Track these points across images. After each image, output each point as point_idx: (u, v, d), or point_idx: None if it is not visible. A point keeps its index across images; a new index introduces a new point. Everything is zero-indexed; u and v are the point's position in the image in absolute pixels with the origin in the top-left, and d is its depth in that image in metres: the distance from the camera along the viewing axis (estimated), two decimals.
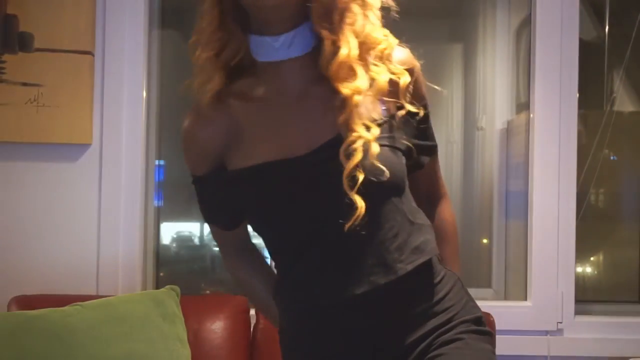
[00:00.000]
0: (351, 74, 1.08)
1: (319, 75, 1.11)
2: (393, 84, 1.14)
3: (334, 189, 1.06)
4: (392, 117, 1.14)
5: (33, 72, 2.18)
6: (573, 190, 2.32)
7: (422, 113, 1.17)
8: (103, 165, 2.23)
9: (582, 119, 2.54)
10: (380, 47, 1.13)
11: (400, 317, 1.14)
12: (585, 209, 2.53)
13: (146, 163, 2.33)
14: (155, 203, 2.46)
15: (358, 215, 1.05)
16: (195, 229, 2.82)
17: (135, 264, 2.26)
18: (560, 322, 2.29)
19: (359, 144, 1.06)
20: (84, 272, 2.21)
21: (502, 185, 2.74)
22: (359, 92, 1.08)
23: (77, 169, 2.23)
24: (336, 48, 1.07)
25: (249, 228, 1.29)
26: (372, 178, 1.06)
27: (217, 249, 2.48)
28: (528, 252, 2.34)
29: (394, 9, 1.16)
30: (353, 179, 1.05)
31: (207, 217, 1.29)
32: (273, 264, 1.26)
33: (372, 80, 1.11)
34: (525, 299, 2.35)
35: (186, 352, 1.94)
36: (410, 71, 1.17)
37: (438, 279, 1.19)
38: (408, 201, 1.17)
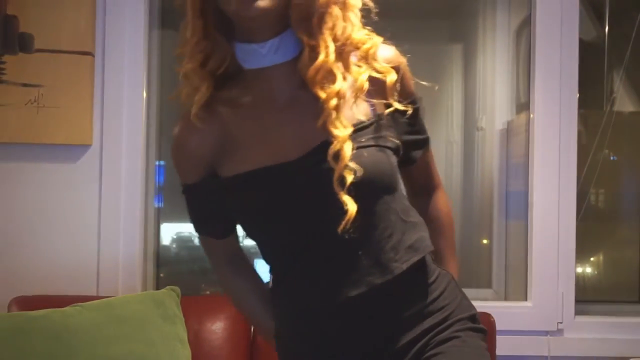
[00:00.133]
0: (330, 77, 1.08)
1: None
2: (380, 82, 1.14)
3: (327, 192, 1.06)
4: (380, 116, 1.15)
5: (33, 73, 2.18)
6: (573, 190, 2.32)
7: (410, 110, 1.17)
8: (103, 165, 2.23)
9: (582, 119, 2.54)
10: (365, 46, 1.13)
11: (397, 317, 1.15)
12: (585, 209, 2.53)
13: (146, 164, 2.33)
14: (156, 204, 2.46)
15: (349, 217, 1.05)
16: None
17: (135, 264, 2.26)
18: (561, 322, 2.29)
19: (346, 146, 1.06)
20: (85, 272, 2.21)
21: (502, 185, 2.74)
22: (337, 95, 1.08)
23: (77, 170, 2.23)
24: (315, 53, 1.08)
25: (240, 231, 1.28)
26: (362, 179, 1.07)
27: None
28: (528, 253, 2.34)
29: (374, 9, 1.16)
30: (342, 180, 1.05)
31: (198, 227, 1.28)
32: (268, 267, 1.25)
33: (355, 81, 1.11)
34: (526, 299, 2.35)
35: (186, 352, 1.94)
36: (397, 69, 1.17)
37: (432, 278, 1.19)
38: (401, 199, 1.17)
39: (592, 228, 2.69)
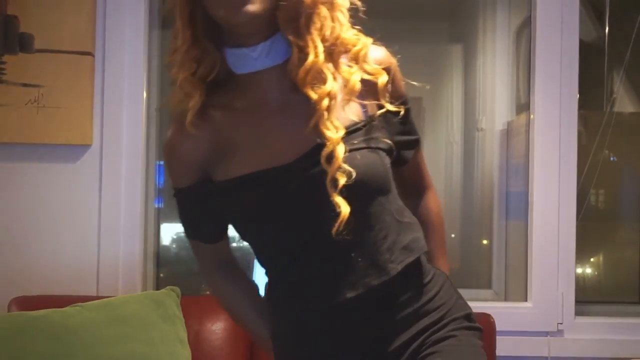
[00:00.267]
0: (320, 78, 1.08)
1: None
2: (371, 83, 1.14)
3: (321, 194, 1.06)
4: (372, 117, 1.15)
5: (33, 73, 2.18)
6: (573, 191, 2.32)
7: (402, 111, 1.17)
8: (103, 166, 2.23)
9: (583, 119, 2.54)
10: (356, 48, 1.13)
11: (394, 317, 1.15)
12: (585, 209, 2.53)
13: (146, 164, 2.33)
14: (156, 204, 2.46)
15: (342, 219, 1.05)
16: None
17: (135, 264, 2.26)
18: (561, 323, 2.29)
19: (339, 149, 1.06)
20: (85, 272, 2.21)
21: (502, 186, 2.74)
22: (328, 96, 1.08)
23: (77, 170, 2.23)
24: (304, 54, 1.08)
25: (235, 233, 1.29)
26: (356, 181, 1.07)
27: None
28: (528, 253, 2.34)
29: (362, 8, 1.16)
30: (335, 183, 1.05)
31: (190, 231, 1.28)
32: (264, 270, 1.25)
33: (346, 81, 1.11)
34: (526, 300, 2.35)
35: (186, 353, 1.94)
36: (387, 70, 1.17)
37: (428, 278, 1.20)
38: (395, 200, 1.18)
39: (592, 228, 2.69)
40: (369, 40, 1.16)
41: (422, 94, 3.30)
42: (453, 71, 3.30)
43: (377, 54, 1.17)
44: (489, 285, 2.75)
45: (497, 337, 2.06)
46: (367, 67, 1.14)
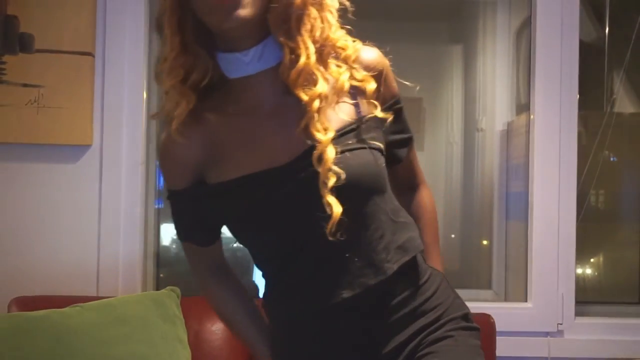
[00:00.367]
0: (311, 80, 1.08)
1: None
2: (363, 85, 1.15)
3: (315, 195, 1.06)
4: (365, 117, 1.15)
5: (33, 73, 2.18)
6: (573, 191, 2.32)
7: (391, 117, 1.17)
8: (103, 166, 2.23)
9: (583, 120, 2.54)
10: (346, 53, 1.13)
11: (390, 317, 1.15)
12: (585, 210, 2.53)
13: (146, 164, 2.33)
14: (156, 204, 2.46)
15: (334, 220, 1.05)
16: None
17: (135, 265, 2.26)
18: (561, 324, 2.29)
19: (329, 150, 1.06)
20: (85, 273, 2.21)
21: (502, 186, 2.74)
22: (319, 97, 1.08)
23: (77, 170, 2.23)
24: (295, 56, 1.08)
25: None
26: (349, 181, 1.07)
27: None
28: (528, 253, 2.34)
29: (350, 9, 1.16)
30: (326, 184, 1.06)
31: (183, 234, 1.27)
32: (261, 273, 1.25)
33: (335, 81, 1.11)
34: (526, 300, 2.35)
35: (186, 353, 1.94)
36: (380, 73, 1.17)
37: (425, 278, 1.20)
38: (391, 200, 1.18)
39: (592, 229, 2.69)
40: (359, 43, 1.16)
41: (422, 94, 3.31)
42: (453, 72, 3.30)
43: (369, 55, 1.17)
44: (489, 286, 2.75)
45: (497, 338, 2.06)
46: (356, 74, 1.14)
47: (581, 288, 2.59)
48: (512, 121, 2.71)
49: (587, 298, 2.61)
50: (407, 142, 1.27)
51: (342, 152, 1.08)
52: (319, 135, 1.07)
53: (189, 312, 2.02)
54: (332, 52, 1.13)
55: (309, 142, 1.07)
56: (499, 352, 2.06)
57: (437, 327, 1.17)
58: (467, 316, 1.22)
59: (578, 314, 2.33)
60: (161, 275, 2.53)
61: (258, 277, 1.57)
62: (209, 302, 1.35)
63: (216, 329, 2.04)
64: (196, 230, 1.25)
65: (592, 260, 2.82)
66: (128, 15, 2.26)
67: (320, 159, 1.06)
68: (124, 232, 2.24)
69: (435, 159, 3.13)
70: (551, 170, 2.31)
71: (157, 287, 2.42)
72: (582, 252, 2.53)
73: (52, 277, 2.19)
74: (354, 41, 1.16)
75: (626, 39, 2.65)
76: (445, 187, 3.07)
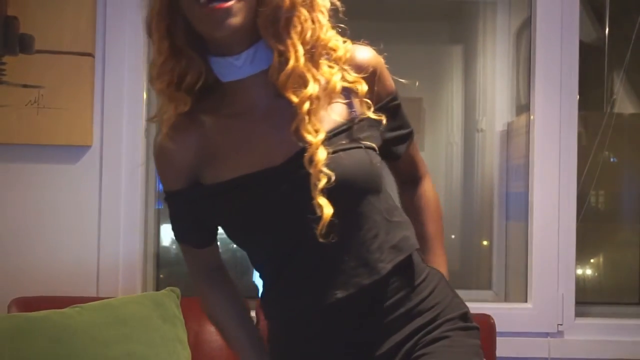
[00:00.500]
0: (301, 82, 1.08)
1: None
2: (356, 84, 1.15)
3: (307, 196, 1.06)
4: (359, 116, 1.14)
5: (33, 74, 2.18)
6: (573, 191, 2.32)
7: (384, 120, 1.17)
8: (103, 166, 2.23)
9: (583, 120, 2.54)
10: (338, 53, 1.13)
11: (386, 317, 1.15)
12: (585, 210, 2.53)
13: (146, 164, 2.33)
14: (156, 205, 2.46)
15: (324, 221, 1.05)
16: None
17: (135, 265, 2.26)
18: (561, 324, 2.29)
19: (320, 152, 1.06)
20: (84, 273, 2.21)
21: (502, 186, 2.74)
22: (309, 99, 1.08)
23: (77, 171, 2.23)
24: (285, 58, 1.08)
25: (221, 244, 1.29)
26: (343, 181, 1.07)
27: None
28: (528, 254, 2.34)
29: (341, 8, 1.16)
30: (317, 185, 1.05)
31: (180, 235, 1.28)
32: (258, 274, 1.25)
33: (327, 82, 1.11)
34: (526, 301, 2.35)
35: (186, 354, 1.94)
36: (373, 72, 1.17)
37: (421, 278, 1.19)
38: (386, 200, 1.17)
39: (592, 229, 2.69)
40: (350, 44, 1.16)
41: (422, 94, 3.31)
42: (453, 72, 3.31)
43: (361, 55, 1.17)
44: (489, 286, 2.75)
45: (497, 338, 2.06)
46: (347, 75, 1.14)
47: (581, 289, 2.59)
48: (512, 121, 2.71)
49: (587, 299, 2.61)
50: (406, 138, 1.27)
51: (336, 152, 1.08)
52: (309, 137, 1.06)
53: (188, 313, 2.02)
54: (324, 53, 1.12)
55: (299, 144, 1.07)
56: (499, 352, 2.06)
57: (433, 328, 1.16)
58: (465, 315, 1.21)
59: (578, 314, 2.33)
60: (161, 275, 2.53)
61: (258, 278, 1.57)
62: (202, 304, 1.35)
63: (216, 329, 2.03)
64: (192, 232, 1.26)
65: (592, 260, 2.82)
66: (128, 16, 2.26)
67: (311, 160, 1.06)
68: (123, 232, 2.24)
69: (436, 159, 3.13)
70: (551, 170, 2.30)
71: (157, 288, 2.42)
72: (582, 253, 2.53)
73: (52, 277, 2.19)
74: (344, 42, 1.16)
75: (626, 40, 2.65)
76: (446, 188, 3.07)
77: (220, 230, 1.26)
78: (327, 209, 1.05)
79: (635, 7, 2.68)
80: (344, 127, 1.12)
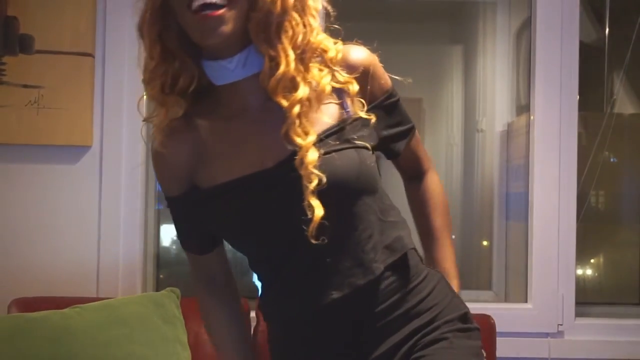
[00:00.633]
0: (292, 86, 1.08)
1: None
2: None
3: (300, 198, 1.06)
4: (353, 116, 1.14)
5: (33, 74, 2.18)
6: (573, 192, 2.31)
7: (373, 120, 1.16)
8: (103, 167, 2.23)
9: (583, 121, 2.54)
10: (329, 55, 1.13)
11: (384, 318, 1.14)
12: (585, 210, 2.53)
13: (146, 165, 2.33)
14: (156, 205, 2.46)
15: (315, 222, 1.05)
16: None
17: (135, 266, 2.26)
18: (561, 324, 2.29)
19: (310, 154, 1.06)
20: (84, 274, 2.21)
21: (502, 187, 2.74)
22: (299, 102, 1.08)
23: (77, 171, 2.23)
24: (275, 64, 1.08)
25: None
26: (336, 182, 1.07)
27: None
28: (528, 254, 2.34)
29: (332, 12, 1.16)
30: (308, 187, 1.05)
31: (182, 241, 1.28)
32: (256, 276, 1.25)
33: (317, 84, 1.11)
34: (526, 301, 2.35)
35: (186, 354, 1.94)
36: (365, 71, 1.17)
37: (420, 278, 1.19)
38: (381, 199, 1.17)
39: (592, 230, 2.69)
40: (340, 44, 1.16)
41: (422, 95, 3.31)
42: (453, 72, 3.31)
43: (353, 55, 1.17)
44: (489, 287, 2.75)
45: (497, 339, 2.06)
46: (338, 76, 1.14)
47: (581, 289, 2.59)
48: (512, 122, 2.71)
49: (587, 299, 2.62)
50: (406, 135, 1.26)
51: (329, 153, 1.08)
52: (299, 140, 1.07)
53: (188, 313, 2.01)
54: (315, 55, 1.13)
55: (290, 147, 1.08)
56: (499, 353, 2.05)
57: (432, 329, 1.16)
58: (465, 316, 1.21)
59: (578, 314, 2.33)
60: (161, 276, 2.53)
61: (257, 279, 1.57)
62: (200, 311, 1.35)
63: None
64: (191, 237, 1.26)
65: (592, 261, 2.82)
66: (128, 16, 2.25)
67: (302, 162, 1.06)
68: (123, 233, 2.24)
69: (436, 159, 3.13)
70: (551, 171, 2.30)
71: (157, 288, 2.42)
72: (582, 253, 2.53)
73: (52, 278, 2.19)
74: (335, 42, 1.16)
75: (626, 40, 2.65)
76: (446, 188, 3.06)
77: None
78: (318, 210, 1.05)
79: (635, 7, 2.68)
80: (337, 128, 1.12)
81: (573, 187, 2.31)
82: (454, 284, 1.29)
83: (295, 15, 1.09)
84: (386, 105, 1.21)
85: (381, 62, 1.21)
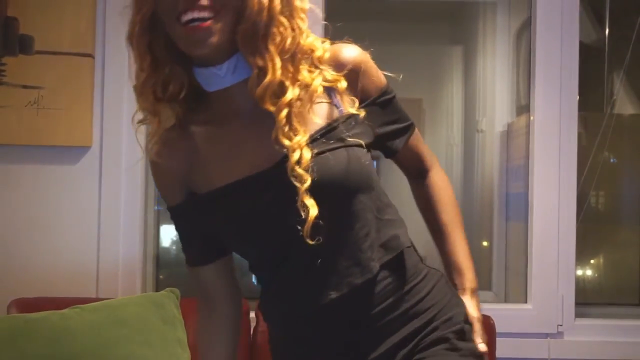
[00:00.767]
0: (280, 90, 1.09)
1: None
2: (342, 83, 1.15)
3: (295, 199, 1.06)
4: (346, 115, 1.14)
5: (33, 75, 2.18)
6: (573, 192, 2.31)
7: (362, 114, 1.16)
8: (103, 167, 2.23)
9: (583, 121, 2.54)
10: (316, 54, 1.14)
11: (383, 319, 1.14)
12: (585, 211, 2.53)
13: (146, 165, 2.33)
14: (155, 206, 2.46)
15: (309, 222, 1.05)
16: None
17: (135, 266, 2.26)
18: (561, 325, 2.29)
19: (304, 154, 1.06)
20: (84, 274, 2.21)
21: (502, 187, 2.74)
22: (287, 106, 1.08)
23: (77, 172, 2.23)
24: (262, 73, 1.08)
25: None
26: (331, 182, 1.07)
27: None
28: (528, 255, 2.34)
29: (322, 14, 1.16)
30: (301, 187, 1.06)
31: (186, 256, 1.28)
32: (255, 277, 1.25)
33: (307, 86, 1.11)
34: (526, 302, 2.35)
35: (186, 355, 1.94)
36: (356, 69, 1.17)
37: (419, 278, 1.19)
38: (378, 197, 1.17)
39: (592, 230, 2.69)
40: (328, 44, 1.16)
41: (422, 95, 3.31)
42: (453, 73, 3.31)
43: (342, 54, 1.17)
44: (489, 287, 2.75)
45: (497, 339, 2.06)
46: (327, 74, 1.14)
47: (581, 289, 2.59)
48: (512, 122, 2.72)
49: (587, 299, 2.62)
50: (403, 132, 1.26)
51: (322, 152, 1.09)
52: (287, 143, 1.07)
53: (188, 314, 2.01)
54: (305, 56, 1.13)
55: (280, 150, 1.08)
56: (498, 353, 2.05)
57: (431, 330, 1.16)
58: (465, 315, 1.21)
59: (578, 315, 2.33)
60: (161, 276, 2.53)
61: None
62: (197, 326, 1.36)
63: None
64: (193, 247, 1.26)
65: (592, 261, 2.82)
66: (128, 16, 2.25)
67: (291, 163, 1.06)
68: (123, 233, 2.24)
69: None
70: (551, 171, 2.30)
71: (157, 289, 2.42)
72: (582, 254, 2.53)
73: (52, 278, 2.19)
74: (323, 42, 1.16)
75: (626, 40, 2.65)
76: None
77: None
78: (312, 210, 1.05)
79: (635, 7, 2.68)
80: (330, 127, 1.12)
81: (573, 188, 2.31)
82: (468, 278, 1.28)
83: (283, 20, 1.09)
84: (380, 103, 1.20)
85: (381, 62, 1.21)
